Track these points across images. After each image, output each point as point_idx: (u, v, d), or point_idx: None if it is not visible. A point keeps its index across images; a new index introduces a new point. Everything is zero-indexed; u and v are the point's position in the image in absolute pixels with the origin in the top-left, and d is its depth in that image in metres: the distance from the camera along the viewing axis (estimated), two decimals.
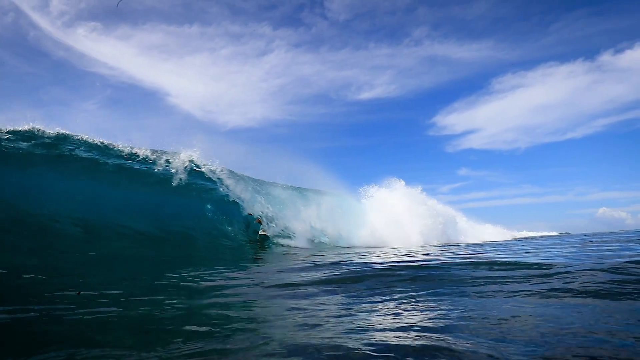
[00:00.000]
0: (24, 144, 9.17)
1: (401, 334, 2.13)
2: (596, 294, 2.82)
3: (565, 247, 8.22)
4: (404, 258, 6.51)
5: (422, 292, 3.32)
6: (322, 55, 60.63)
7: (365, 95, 59.79)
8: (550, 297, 2.86)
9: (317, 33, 60.05)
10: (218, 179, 12.52)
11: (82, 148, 10.52)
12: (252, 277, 4.91)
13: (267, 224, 12.32)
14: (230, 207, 12.10)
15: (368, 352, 1.83)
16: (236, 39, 58.20)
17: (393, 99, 61.78)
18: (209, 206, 11.55)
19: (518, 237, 29.00)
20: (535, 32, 60.41)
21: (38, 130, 9.89)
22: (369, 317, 2.55)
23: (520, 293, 3.04)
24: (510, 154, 63.52)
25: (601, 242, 9.69)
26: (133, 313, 2.74)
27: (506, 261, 4.86)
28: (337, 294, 3.47)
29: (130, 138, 12.20)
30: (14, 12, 34.75)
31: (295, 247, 11.65)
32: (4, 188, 7.40)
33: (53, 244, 6.25)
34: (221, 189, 12.33)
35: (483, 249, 9.34)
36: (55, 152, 9.65)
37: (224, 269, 5.62)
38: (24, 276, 3.99)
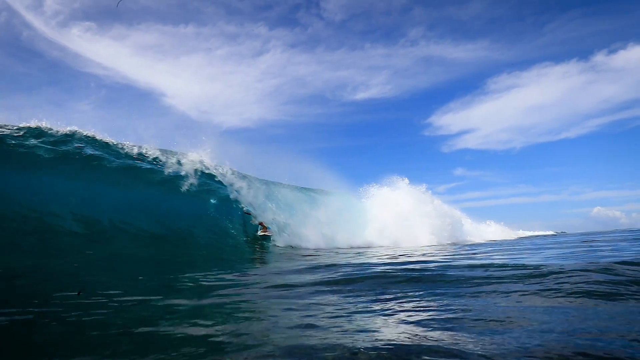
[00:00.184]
0: (30, 141, 9.17)
1: (403, 332, 2.17)
2: (597, 295, 2.88)
3: (575, 247, 8.31)
4: (428, 259, 6.56)
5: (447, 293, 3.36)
6: (318, 56, 60.77)
7: (361, 95, 59.99)
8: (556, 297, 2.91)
9: (313, 33, 60.20)
10: (224, 179, 12.55)
11: (91, 146, 10.58)
12: (252, 278, 4.94)
13: (271, 224, 12.18)
14: (232, 207, 12.09)
15: (367, 351, 1.87)
16: (232, 39, 58.20)
17: (389, 99, 62.05)
18: (210, 205, 11.54)
19: (522, 236, 28.70)
20: (530, 32, 60.94)
21: (46, 128, 9.92)
22: (367, 318, 2.59)
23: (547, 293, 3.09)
24: (506, 154, 64.01)
25: (597, 241, 9.80)
26: (131, 315, 2.76)
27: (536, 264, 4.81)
28: (345, 294, 3.50)
29: (139, 138, 12.13)
30: (7, 11, 34.50)
31: (305, 248, 11.45)
32: (8, 186, 7.43)
33: (55, 243, 6.26)
34: (227, 190, 12.34)
35: (499, 248, 9.42)
36: (62, 149, 9.63)
37: (220, 270, 5.64)
38: (24, 277, 3.99)
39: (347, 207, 16.77)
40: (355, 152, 59.15)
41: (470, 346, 1.89)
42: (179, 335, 2.25)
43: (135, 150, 11.51)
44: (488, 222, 28.14)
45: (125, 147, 11.46)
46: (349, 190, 19.21)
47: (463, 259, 6.32)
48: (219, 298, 3.39)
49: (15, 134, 9.13)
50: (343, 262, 6.49)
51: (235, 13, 58.44)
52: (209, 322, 2.53)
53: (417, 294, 3.35)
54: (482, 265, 4.77)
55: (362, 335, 2.16)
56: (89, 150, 10.30)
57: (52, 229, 6.89)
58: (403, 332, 2.20)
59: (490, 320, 2.34)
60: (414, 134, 63.80)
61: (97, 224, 7.78)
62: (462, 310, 2.64)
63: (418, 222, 15.80)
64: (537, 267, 4.18)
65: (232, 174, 13.02)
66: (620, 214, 59.32)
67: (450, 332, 2.16)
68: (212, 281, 4.50)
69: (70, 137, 10.34)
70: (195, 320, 2.60)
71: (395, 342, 2.02)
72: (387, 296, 3.31)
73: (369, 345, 1.96)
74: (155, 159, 11.68)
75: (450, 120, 63.57)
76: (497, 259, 5.85)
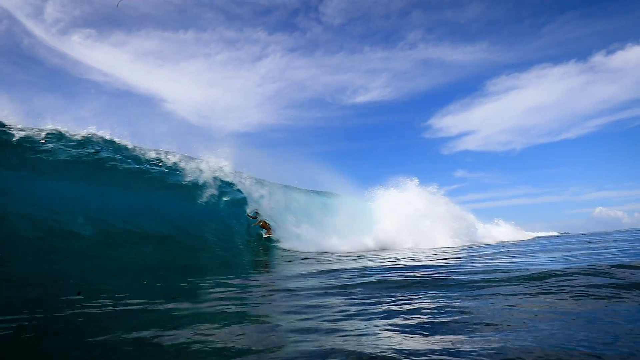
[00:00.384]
0: (47, 145, 9.25)
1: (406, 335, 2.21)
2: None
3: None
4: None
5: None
6: (317, 60, 60.93)
7: (361, 98, 60.07)
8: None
9: (312, 37, 60.42)
10: (240, 184, 12.70)
11: (108, 149, 10.68)
12: (264, 282, 4.97)
13: (275, 225, 12.06)
14: (242, 211, 12.16)
15: (369, 353, 1.91)
16: (231, 45, 58.45)
17: (388, 102, 62.10)
18: (222, 209, 11.61)
19: (534, 236, 28.03)
20: (528, 34, 60.93)
21: (63, 131, 10.01)
22: (376, 321, 2.62)
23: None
24: (506, 155, 63.87)
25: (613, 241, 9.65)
26: (136, 319, 2.80)
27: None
28: (353, 297, 3.53)
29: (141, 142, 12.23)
30: (8, 19, 34.76)
31: (321, 252, 11.08)
32: (20, 189, 7.54)
33: (67, 246, 6.33)
34: (240, 193, 12.43)
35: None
36: (76, 152, 9.74)
37: (223, 276, 5.68)
38: (33, 280, 4.04)
39: (361, 210, 16.54)
40: (355, 156, 59.05)
41: (467, 348, 1.93)
42: (184, 341, 2.28)
43: (153, 155, 11.59)
44: (497, 220, 27.27)
45: (144, 151, 11.55)
46: (357, 193, 18.99)
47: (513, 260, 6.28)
48: (222, 302, 3.43)
49: (33, 137, 9.19)
50: (371, 265, 6.52)
51: (235, 18, 58.76)
52: (214, 326, 2.56)
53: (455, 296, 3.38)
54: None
55: (365, 338, 2.20)
56: (105, 154, 10.41)
57: (65, 231, 6.95)
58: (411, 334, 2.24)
59: (490, 324, 2.38)
60: (414, 137, 63.78)
61: (112, 228, 7.85)
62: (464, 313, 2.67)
63: (435, 225, 15.54)
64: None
65: (245, 178, 13.01)
66: (623, 214, 59.05)
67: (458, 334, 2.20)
68: (215, 286, 4.54)
69: (86, 140, 10.44)
70: (200, 325, 2.63)
71: (396, 348, 2.05)
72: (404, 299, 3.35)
73: (374, 348, 2.00)
74: (174, 164, 11.80)
75: (450, 122, 63.58)
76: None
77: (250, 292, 4.25)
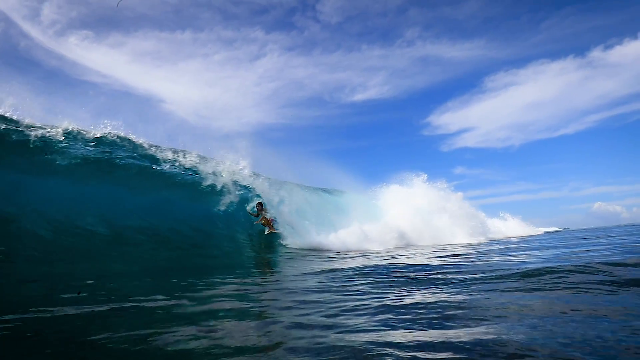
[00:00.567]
0: (61, 144, 9.27)
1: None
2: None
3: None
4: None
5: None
6: (315, 58, 60.93)
7: (359, 96, 60.11)
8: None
9: (310, 36, 60.36)
10: (255, 184, 12.63)
11: (124, 149, 10.71)
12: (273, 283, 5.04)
13: (278, 223, 11.71)
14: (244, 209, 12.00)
15: (367, 347, 1.98)
16: (229, 44, 58.40)
17: (387, 100, 62.15)
18: (234, 210, 11.51)
19: (546, 231, 27.15)
20: (526, 30, 60.90)
21: (75, 130, 10.02)
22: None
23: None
24: (505, 152, 64.04)
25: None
26: (139, 320, 2.86)
27: None
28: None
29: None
30: (4, 21, 34.63)
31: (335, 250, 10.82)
32: (33, 187, 7.60)
33: (77, 246, 6.42)
34: (254, 195, 12.35)
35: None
36: (88, 152, 9.77)
37: (224, 276, 5.75)
38: (39, 281, 4.10)
39: (373, 207, 16.14)
40: (354, 154, 59.18)
41: (461, 340, 2.00)
42: (184, 338, 2.33)
43: (170, 156, 11.58)
44: (502, 214, 27.07)
45: (160, 151, 11.57)
46: (366, 190, 18.52)
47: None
48: (223, 299, 3.50)
49: (46, 135, 9.20)
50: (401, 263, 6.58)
51: (232, 18, 58.66)
52: (214, 323, 2.62)
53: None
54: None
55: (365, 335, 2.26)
56: (121, 152, 10.45)
57: (74, 230, 7.05)
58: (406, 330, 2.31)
59: (484, 318, 2.44)
60: (413, 134, 63.91)
61: (122, 227, 7.95)
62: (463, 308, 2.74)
63: (453, 221, 15.42)
64: None
65: (263, 182, 12.87)
66: (621, 209, 59.39)
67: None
68: (216, 285, 4.61)
69: (99, 140, 10.47)
70: (201, 323, 2.69)
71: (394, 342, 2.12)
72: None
73: (368, 343, 2.07)
74: (192, 164, 11.78)
75: (449, 119, 63.70)
76: None
77: (251, 289, 4.32)
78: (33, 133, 8.89)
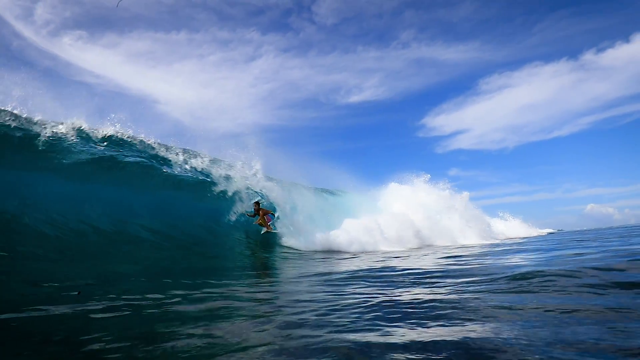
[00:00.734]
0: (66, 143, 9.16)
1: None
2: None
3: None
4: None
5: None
6: (311, 60, 61.10)
7: (355, 98, 60.37)
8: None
9: (306, 37, 60.57)
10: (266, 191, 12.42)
11: (131, 150, 10.63)
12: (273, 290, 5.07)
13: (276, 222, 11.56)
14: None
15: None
16: (224, 45, 58.40)
17: (382, 102, 62.52)
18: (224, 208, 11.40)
19: (547, 232, 26.83)
20: (520, 33, 61.60)
21: (88, 129, 9.97)
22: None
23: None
24: (499, 154, 64.62)
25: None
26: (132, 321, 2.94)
27: None
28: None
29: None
30: None
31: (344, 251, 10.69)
32: (40, 187, 7.60)
33: (80, 246, 6.46)
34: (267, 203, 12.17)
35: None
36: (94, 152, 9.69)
37: (222, 278, 5.80)
38: (44, 281, 4.13)
39: (376, 207, 15.60)
40: (350, 155, 59.39)
41: (443, 339, 2.10)
42: (179, 337, 2.40)
43: (181, 158, 11.51)
44: (501, 213, 26.67)
45: (175, 153, 11.52)
46: (369, 191, 18.21)
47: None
48: (220, 300, 3.58)
49: (53, 134, 9.11)
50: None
51: (227, 19, 58.70)
52: (209, 323, 2.69)
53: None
54: None
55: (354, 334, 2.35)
56: (128, 152, 10.41)
57: (80, 230, 7.07)
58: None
59: (473, 319, 2.55)
60: (408, 136, 64.31)
61: (128, 228, 7.99)
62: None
63: (461, 222, 15.13)
64: None
65: (272, 189, 12.61)
66: (614, 211, 60.11)
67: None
68: (216, 286, 4.67)
69: (107, 139, 10.42)
70: (197, 323, 2.76)
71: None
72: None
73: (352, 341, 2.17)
74: (205, 170, 11.66)
75: (444, 121, 64.21)
76: None
77: (247, 290, 4.40)
78: (40, 130, 8.83)
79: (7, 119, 8.43)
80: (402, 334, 2.32)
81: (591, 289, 3.22)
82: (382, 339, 2.22)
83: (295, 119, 60.05)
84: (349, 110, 62.29)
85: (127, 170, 10.03)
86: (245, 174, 12.35)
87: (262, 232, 10.95)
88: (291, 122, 58.70)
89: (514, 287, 3.51)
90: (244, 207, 11.65)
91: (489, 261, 6.39)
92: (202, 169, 11.89)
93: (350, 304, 3.22)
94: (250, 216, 11.16)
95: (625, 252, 5.74)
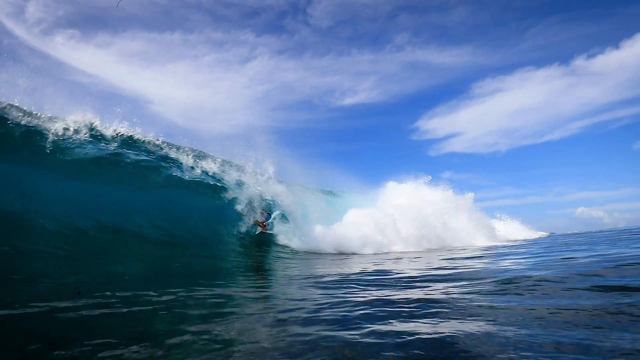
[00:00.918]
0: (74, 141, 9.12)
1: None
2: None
3: None
4: None
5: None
6: (306, 62, 61.28)
7: (349, 100, 60.66)
8: None
9: (300, 40, 60.76)
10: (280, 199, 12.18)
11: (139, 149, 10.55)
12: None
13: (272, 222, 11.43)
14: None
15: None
16: (219, 46, 58.34)
17: (376, 105, 62.91)
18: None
19: (543, 235, 26.38)
20: (513, 37, 62.42)
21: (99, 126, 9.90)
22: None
23: None
24: (491, 157, 65.30)
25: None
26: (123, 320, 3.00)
27: None
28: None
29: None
30: None
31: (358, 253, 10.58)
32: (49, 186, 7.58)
33: (81, 245, 6.45)
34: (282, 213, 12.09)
35: None
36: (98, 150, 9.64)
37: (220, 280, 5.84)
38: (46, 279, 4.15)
39: (378, 208, 14.85)
40: (344, 157, 59.34)
41: (438, 331, 2.21)
42: (173, 336, 2.48)
43: (190, 161, 11.37)
44: (498, 214, 26.01)
45: (194, 156, 11.42)
46: (367, 191, 17.84)
47: None
48: (214, 299, 3.65)
49: (62, 131, 9.05)
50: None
51: (222, 20, 58.66)
52: (203, 323, 2.77)
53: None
54: None
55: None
56: (143, 156, 10.39)
57: (84, 229, 7.06)
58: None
59: (459, 317, 2.65)
60: (401, 139, 64.78)
61: (131, 227, 7.97)
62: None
63: (472, 223, 14.79)
64: None
65: (284, 200, 12.33)
66: (603, 214, 60.96)
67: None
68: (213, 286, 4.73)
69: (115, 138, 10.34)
70: (192, 323, 2.83)
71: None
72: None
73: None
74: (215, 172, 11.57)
75: (437, 124, 64.73)
76: None
77: (243, 291, 4.46)
78: (43, 126, 8.74)
79: (6, 112, 8.34)
80: (390, 329, 2.41)
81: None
82: (371, 335, 2.31)
83: (290, 121, 60.15)
84: (343, 112, 62.59)
85: (130, 169, 9.96)
86: (257, 179, 12.13)
87: (257, 232, 10.74)
88: (285, 124, 58.74)
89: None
90: (241, 206, 11.48)
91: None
92: (206, 169, 11.82)
93: (344, 302, 3.30)
94: (245, 215, 10.92)
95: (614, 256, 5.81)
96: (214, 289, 4.38)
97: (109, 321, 2.78)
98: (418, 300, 3.32)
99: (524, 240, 17.37)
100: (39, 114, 8.89)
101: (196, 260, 7.81)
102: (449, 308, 2.96)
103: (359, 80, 62.32)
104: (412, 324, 2.56)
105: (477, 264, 6.34)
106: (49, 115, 9.11)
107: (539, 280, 3.85)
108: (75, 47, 42.07)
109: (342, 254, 10.46)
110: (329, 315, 2.89)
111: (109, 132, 10.33)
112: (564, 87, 59.13)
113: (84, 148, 9.27)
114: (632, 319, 2.38)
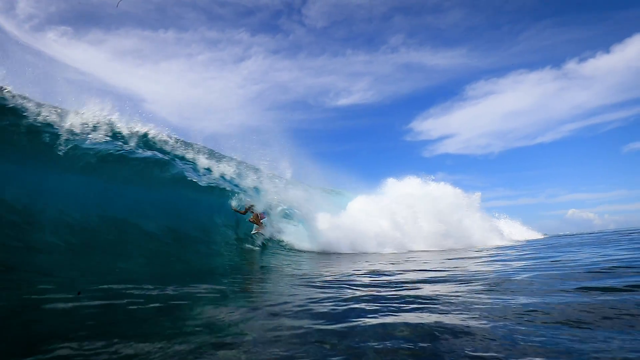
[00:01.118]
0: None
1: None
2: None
3: None
4: None
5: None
6: (300, 62, 61.26)
7: (343, 101, 60.80)
8: None
9: (295, 40, 60.73)
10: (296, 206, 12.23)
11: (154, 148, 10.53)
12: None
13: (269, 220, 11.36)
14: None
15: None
16: (213, 45, 58.04)
17: (371, 105, 63.14)
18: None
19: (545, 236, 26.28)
20: (506, 40, 63.04)
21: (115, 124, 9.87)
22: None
23: None
24: (484, 158, 65.95)
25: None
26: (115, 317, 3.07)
27: None
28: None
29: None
30: None
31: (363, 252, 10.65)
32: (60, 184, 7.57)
33: (84, 244, 6.44)
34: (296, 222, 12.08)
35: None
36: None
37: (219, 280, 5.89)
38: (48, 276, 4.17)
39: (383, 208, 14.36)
40: (338, 158, 59.24)
41: (423, 322, 2.32)
42: (166, 332, 2.57)
43: (205, 162, 11.42)
44: (497, 214, 25.21)
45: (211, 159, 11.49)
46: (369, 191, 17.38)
47: None
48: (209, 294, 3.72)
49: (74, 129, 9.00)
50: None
51: (217, 19, 58.40)
52: (195, 320, 2.85)
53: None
54: None
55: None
56: (160, 155, 10.38)
57: (87, 228, 7.05)
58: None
59: (446, 311, 2.76)
60: (395, 140, 65.13)
61: (133, 226, 7.92)
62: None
63: (485, 224, 14.49)
64: None
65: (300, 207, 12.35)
66: (594, 216, 61.84)
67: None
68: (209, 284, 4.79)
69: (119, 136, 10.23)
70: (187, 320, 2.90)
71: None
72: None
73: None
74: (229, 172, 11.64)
75: (431, 125, 65.20)
76: None
77: (239, 289, 4.54)
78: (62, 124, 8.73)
79: (10, 106, 8.23)
80: (379, 321, 2.52)
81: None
82: (359, 327, 2.42)
83: (284, 121, 59.90)
84: (338, 113, 62.71)
85: (134, 166, 9.88)
86: (275, 183, 12.19)
87: (253, 231, 10.68)
88: (279, 124, 58.36)
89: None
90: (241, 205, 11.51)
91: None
92: (205, 164, 11.84)
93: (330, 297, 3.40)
94: (242, 213, 10.91)
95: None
96: (215, 285, 4.46)
97: (108, 318, 2.82)
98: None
99: (526, 240, 17.06)
100: (41, 111, 8.79)
101: (200, 257, 7.74)
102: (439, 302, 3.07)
103: (353, 81, 62.53)
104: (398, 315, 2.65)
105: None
106: (57, 109, 9.03)
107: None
108: (67, 44, 41.40)
109: (361, 253, 10.32)
110: (320, 307, 2.99)
111: (122, 130, 10.32)
112: (556, 90, 59.93)
113: (84, 144, 9.25)
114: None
